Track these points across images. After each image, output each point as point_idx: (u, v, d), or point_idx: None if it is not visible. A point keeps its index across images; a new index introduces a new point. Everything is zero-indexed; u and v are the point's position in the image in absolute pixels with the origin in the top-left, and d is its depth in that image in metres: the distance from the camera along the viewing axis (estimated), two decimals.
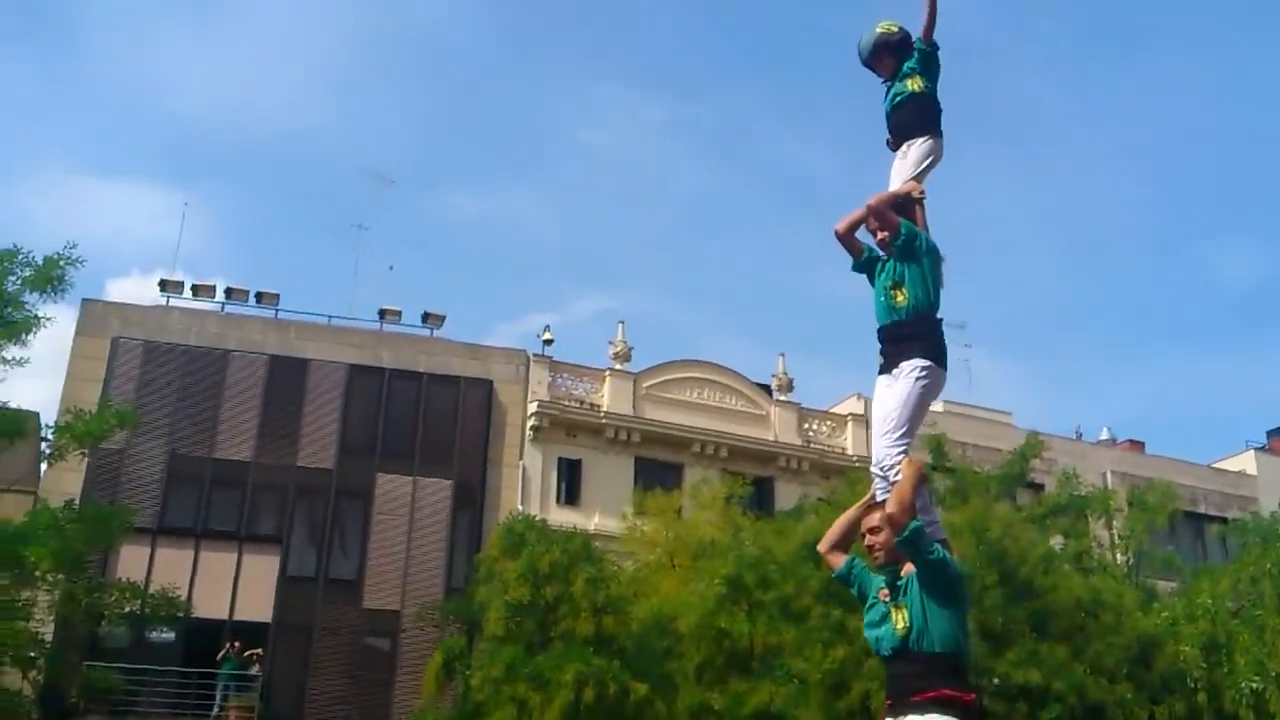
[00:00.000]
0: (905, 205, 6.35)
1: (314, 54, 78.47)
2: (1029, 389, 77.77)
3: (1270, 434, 42.61)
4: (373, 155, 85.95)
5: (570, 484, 30.94)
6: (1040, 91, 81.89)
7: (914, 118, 6.70)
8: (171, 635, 26.62)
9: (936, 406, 36.99)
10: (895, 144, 6.77)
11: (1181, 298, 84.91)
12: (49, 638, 23.06)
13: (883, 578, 5.60)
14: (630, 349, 33.14)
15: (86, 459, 25.33)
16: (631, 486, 29.80)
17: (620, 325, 33.79)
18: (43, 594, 21.87)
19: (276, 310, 31.53)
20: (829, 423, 34.58)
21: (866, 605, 5.70)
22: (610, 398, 32.10)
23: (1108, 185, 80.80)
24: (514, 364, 31.84)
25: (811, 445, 33.23)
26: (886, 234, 6.22)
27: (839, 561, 5.88)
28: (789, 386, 34.35)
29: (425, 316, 32.46)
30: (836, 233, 6.44)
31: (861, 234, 6.47)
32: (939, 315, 6.15)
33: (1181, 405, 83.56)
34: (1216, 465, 40.56)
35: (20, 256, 21.33)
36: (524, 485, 30.31)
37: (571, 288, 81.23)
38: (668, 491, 27.42)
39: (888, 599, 5.53)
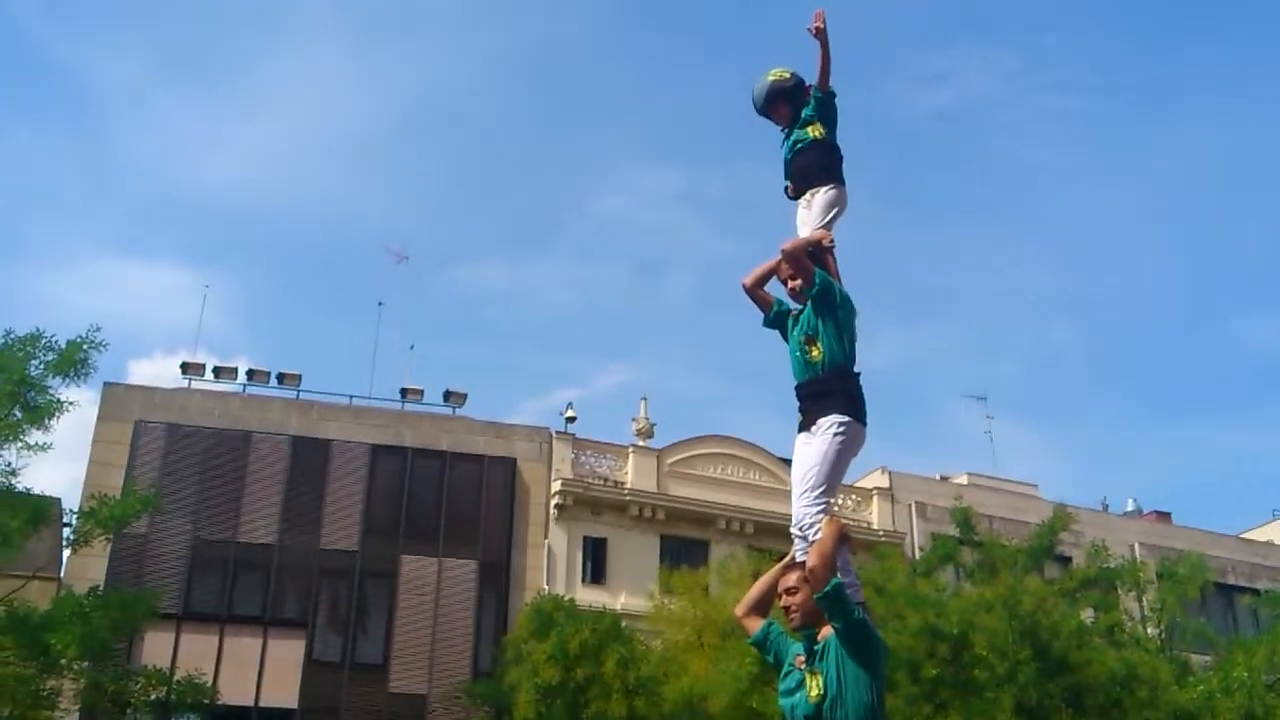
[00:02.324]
0: (816, 255, 6.19)
1: (333, 131, 79.56)
2: (1053, 458, 77.44)
3: None
4: (392, 232, 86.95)
5: (596, 562, 30.72)
6: (1068, 162, 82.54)
7: (816, 165, 6.58)
8: None
9: (961, 479, 37.16)
10: (796, 192, 6.64)
11: (1206, 366, 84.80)
12: None
13: (800, 644, 5.39)
14: (653, 425, 33.13)
15: (110, 544, 25.19)
16: (657, 564, 29.60)
17: (643, 402, 33.87)
18: (68, 682, 21.63)
19: (298, 391, 31.63)
20: (854, 497, 34.37)
21: (782, 673, 5.48)
22: (634, 475, 31.98)
23: (1134, 253, 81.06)
24: (537, 442, 31.79)
25: None
26: (799, 283, 6.09)
27: (756, 626, 5.68)
28: None
29: (447, 395, 32.50)
30: (743, 286, 6.34)
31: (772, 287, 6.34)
32: (856, 369, 6.00)
33: (1207, 475, 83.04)
34: (1244, 536, 40.18)
35: (43, 341, 21.38)
36: (549, 564, 30.11)
37: (595, 362, 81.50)
38: (694, 569, 27.17)
39: (803, 665, 5.31)
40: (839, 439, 5.79)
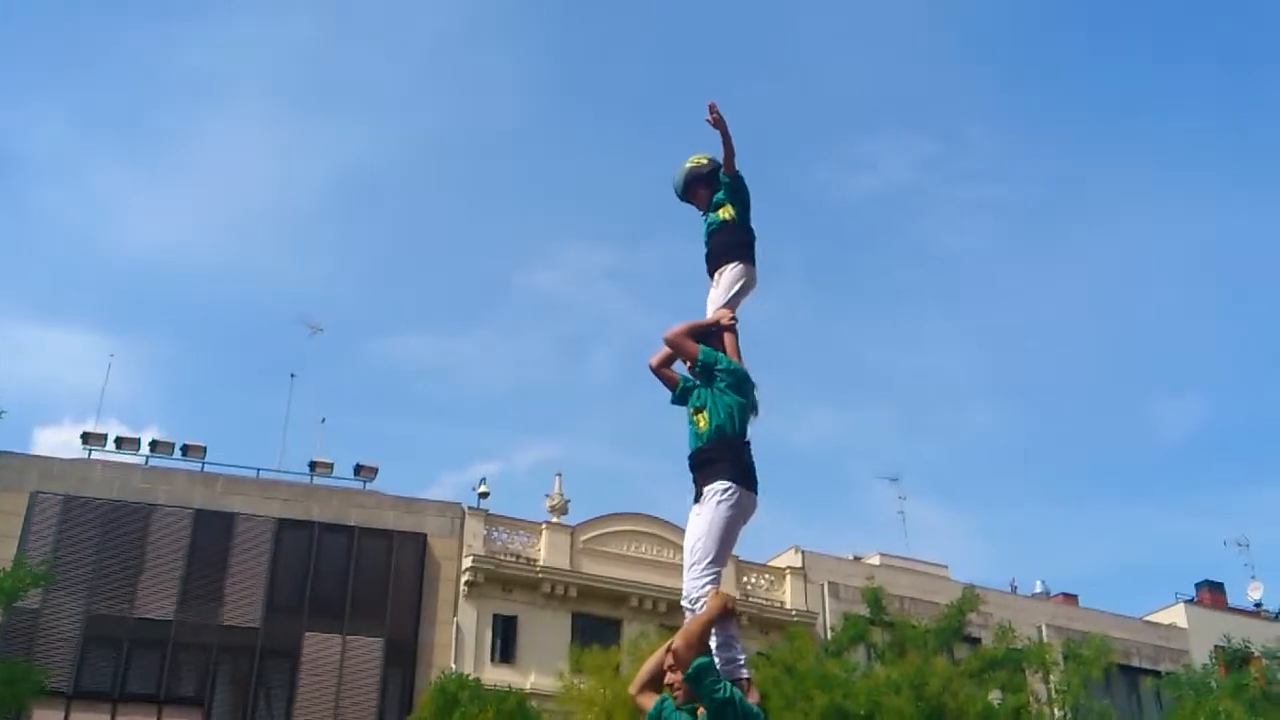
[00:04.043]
0: (715, 332, 6.39)
1: (257, 201, 78.84)
2: (965, 539, 78.21)
3: (1199, 586, 43.06)
4: (309, 303, 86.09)
5: (505, 641, 30.23)
6: (988, 248, 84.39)
7: (723, 245, 6.75)
8: None
9: (873, 559, 37.36)
10: (710, 272, 6.81)
11: (1113, 451, 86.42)
12: None
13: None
14: (567, 501, 32.89)
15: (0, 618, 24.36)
16: (568, 643, 29.22)
17: (557, 477, 33.61)
18: None
19: (203, 463, 30.95)
20: (767, 576, 34.36)
21: None
22: (547, 551, 31.66)
23: (1045, 339, 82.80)
24: (448, 517, 31.37)
25: (750, 599, 32.90)
26: (690, 362, 6.28)
27: (649, 703, 5.68)
28: None
29: (358, 469, 32.05)
30: (650, 366, 6.50)
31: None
32: (746, 439, 6.07)
33: (1112, 558, 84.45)
34: (1148, 618, 40.83)
35: None
36: (458, 642, 29.56)
37: (517, 437, 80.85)
38: (605, 648, 26.88)
39: None
40: (722, 505, 5.81)
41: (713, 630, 5.61)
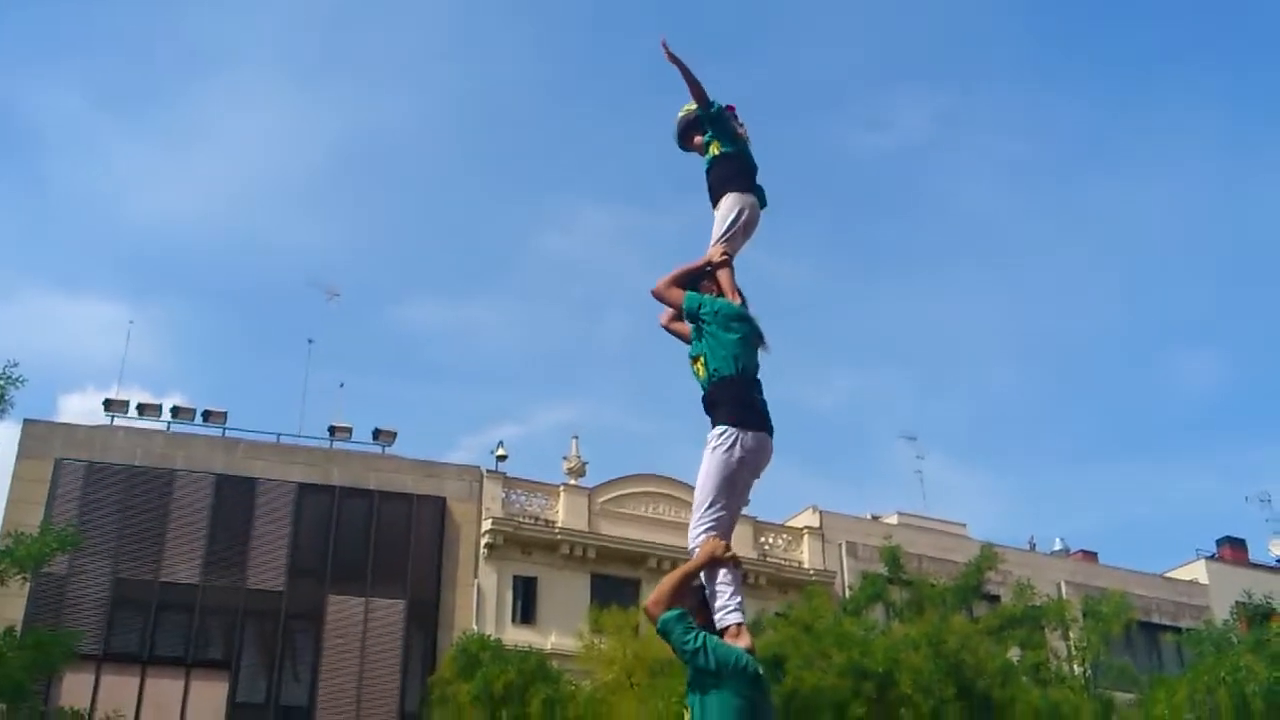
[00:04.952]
0: (709, 272, 6.24)
1: (272, 168, 78.97)
2: (983, 498, 78.15)
3: (1219, 543, 42.99)
4: (326, 268, 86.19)
5: (526, 602, 30.57)
6: (1003, 206, 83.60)
7: (718, 179, 6.63)
8: None
9: (891, 518, 37.34)
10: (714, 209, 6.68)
11: (1132, 408, 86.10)
12: None
13: None
14: (585, 464, 33.08)
15: (28, 584, 24.65)
16: (588, 603, 29.46)
17: (574, 440, 33.78)
18: None
19: (224, 429, 31.26)
20: (785, 536, 34.51)
21: None
22: (565, 513, 31.91)
23: (1065, 298, 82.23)
24: (467, 480, 31.60)
25: (768, 559, 33.11)
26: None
27: None
28: None
29: (376, 433, 32.26)
30: (661, 325, 6.41)
31: None
32: (748, 376, 5.87)
33: (1132, 515, 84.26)
34: (1168, 575, 40.82)
35: None
36: (479, 604, 29.88)
37: (534, 400, 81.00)
38: (624, 608, 27.10)
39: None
40: (717, 450, 5.68)
41: (703, 579, 5.55)
